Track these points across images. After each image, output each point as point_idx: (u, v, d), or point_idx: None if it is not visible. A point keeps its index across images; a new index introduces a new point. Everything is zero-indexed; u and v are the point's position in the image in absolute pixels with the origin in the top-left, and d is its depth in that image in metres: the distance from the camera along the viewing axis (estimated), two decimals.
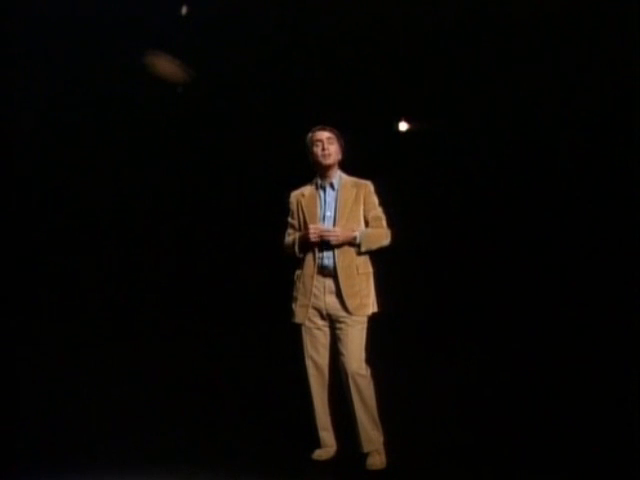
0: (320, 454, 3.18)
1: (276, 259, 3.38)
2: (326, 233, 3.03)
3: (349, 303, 3.04)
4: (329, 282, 3.08)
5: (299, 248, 3.13)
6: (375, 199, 3.16)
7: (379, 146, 4.75)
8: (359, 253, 3.08)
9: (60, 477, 3.01)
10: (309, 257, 3.11)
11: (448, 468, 3.09)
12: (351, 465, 3.08)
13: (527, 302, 4.79)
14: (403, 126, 5.13)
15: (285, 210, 3.26)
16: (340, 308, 3.06)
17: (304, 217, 3.15)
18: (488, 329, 4.83)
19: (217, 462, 3.17)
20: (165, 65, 4.90)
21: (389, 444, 3.11)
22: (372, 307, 3.13)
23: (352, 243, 3.06)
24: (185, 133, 5.14)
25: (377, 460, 3.06)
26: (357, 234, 3.06)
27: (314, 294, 3.10)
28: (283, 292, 3.30)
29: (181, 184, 5.25)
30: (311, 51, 4.76)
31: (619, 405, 3.62)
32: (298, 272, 3.17)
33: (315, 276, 3.09)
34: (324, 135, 3.12)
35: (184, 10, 4.63)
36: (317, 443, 3.19)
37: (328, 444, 3.20)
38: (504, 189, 4.87)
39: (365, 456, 3.07)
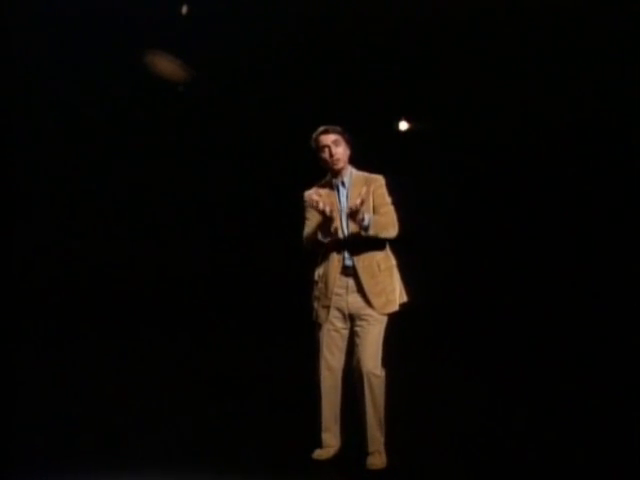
0: (321, 454, 3.17)
1: (284, 259, 3.36)
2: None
3: (375, 302, 3.02)
4: (351, 281, 3.06)
5: (322, 233, 2.97)
6: (385, 192, 3.11)
7: (390, 143, 4.74)
8: (366, 236, 2.94)
9: (59, 477, 3.00)
10: (332, 257, 3.08)
11: (448, 468, 3.09)
12: (351, 464, 3.07)
13: (535, 303, 4.78)
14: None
15: (301, 208, 3.22)
16: (364, 306, 3.03)
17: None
18: (491, 330, 4.82)
19: (217, 462, 3.16)
20: (165, 64, 4.90)
21: (390, 444, 3.10)
22: (400, 299, 3.10)
23: (361, 226, 2.94)
24: (186, 132, 5.14)
25: (378, 460, 3.06)
26: (366, 216, 2.92)
27: (336, 293, 3.06)
28: (287, 291, 3.28)
29: (183, 184, 5.25)
30: (312, 50, 4.75)
31: (627, 410, 3.60)
32: (319, 271, 3.13)
33: (338, 276, 3.06)
34: (329, 139, 3.06)
35: (184, 10, 4.63)
36: (318, 443, 3.18)
37: (329, 444, 3.19)
38: (512, 187, 4.87)
39: (366, 456, 3.06)
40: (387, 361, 3.11)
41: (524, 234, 4.83)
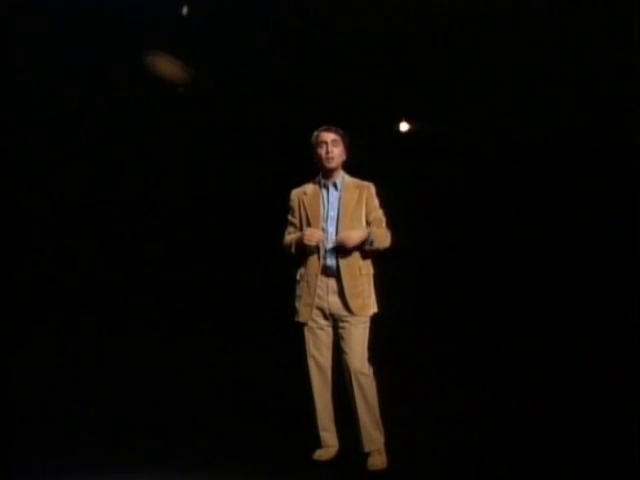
0: (321, 454, 3.17)
1: (276, 258, 3.37)
2: (341, 239, 3.01)
3: (352, 303, 3.04)
4: (332, 282, 3.08)
5: (296, 249, 3.13)
6: (376, 201, 3.17)
7: (380, 147, 4.74)
8: (368, 250, 3.05)
9: (58, 477, 3.00)
10: (313, 256, 3.10)
11: (449, 468, 3.09)
12: (352, 465, 3.07)
13: (527, 304, 4.78)
14: (404, 127, 5.12)
15: (286, 208, 3.26)
16: (342, 308, 3.06)
17: (307, 216, 3.14)
18: (488, 330, 4.82)
19: (217, 462, 3.16)
20: (166, 65, 4.90)
21: (390, 444, 3.10)
22: (373, 308, 3.14)
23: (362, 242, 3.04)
24: (186, 133, 5.14)
25: (378, 460, 3.06)
26: (369, 231, 3.04)
27: (318, 294, 3.09)
28: (284, 291, 3.29)
29: (182, 184, 5.25)
30: (312, 50, 4.76)
31: (620, 409, 3.61)
32: (302, 271, 3.16)
33: (319, 276, 3.09)
34: (329, 137, 3.11)
35: (185, 10, 4.63)
36: (318, 443, 3.18)
37: (329, 444, 3.19)
38: (506, 191, 4.86)
39: (366, 456, 3.06)
40: (387, 362, 3.12)
41: (520, 240, 4.83)
